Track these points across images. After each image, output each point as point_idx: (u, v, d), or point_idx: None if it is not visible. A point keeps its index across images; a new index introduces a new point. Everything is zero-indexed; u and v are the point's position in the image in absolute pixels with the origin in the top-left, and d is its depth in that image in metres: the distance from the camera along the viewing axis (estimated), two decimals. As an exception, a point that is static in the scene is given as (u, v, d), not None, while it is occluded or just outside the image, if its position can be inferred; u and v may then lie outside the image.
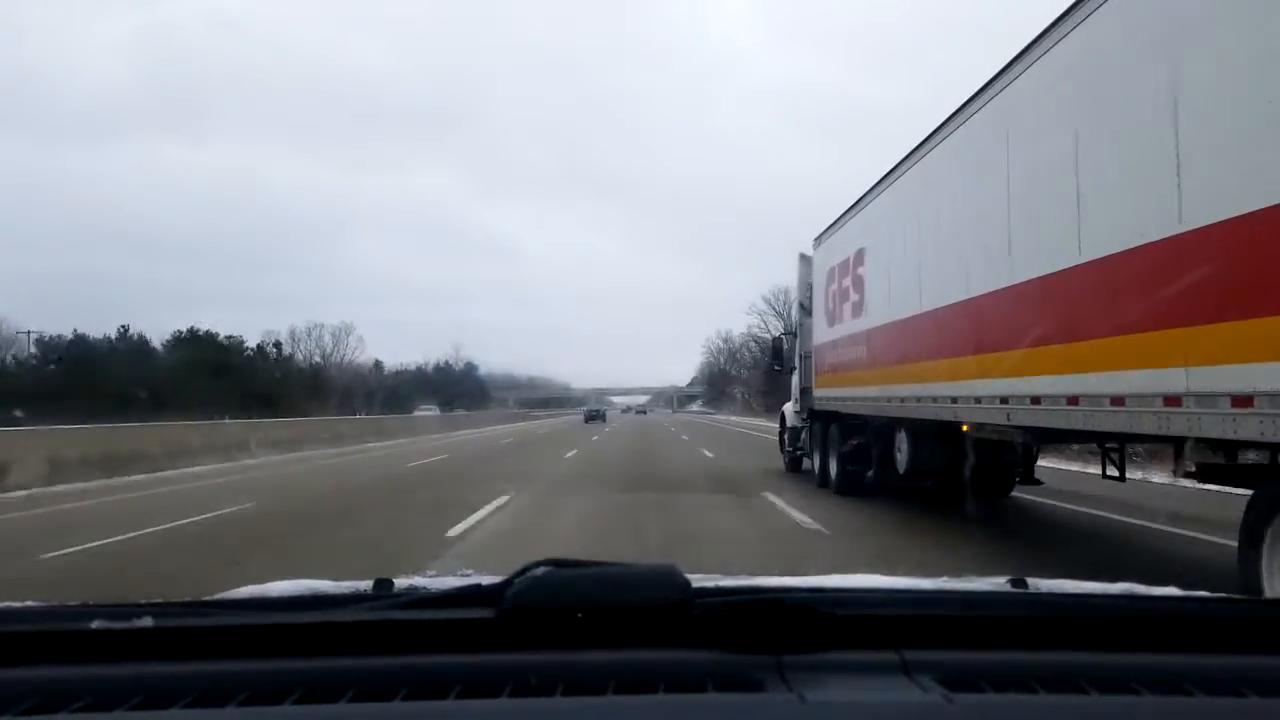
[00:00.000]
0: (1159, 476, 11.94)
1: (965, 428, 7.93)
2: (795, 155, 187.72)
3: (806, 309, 14.95)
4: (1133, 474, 8.46)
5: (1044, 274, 6.11)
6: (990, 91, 7.19)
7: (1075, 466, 13.38)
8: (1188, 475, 5.59)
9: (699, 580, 1.22)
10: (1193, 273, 4.46)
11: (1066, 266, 5.75)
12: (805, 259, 15.11)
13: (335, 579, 1.53)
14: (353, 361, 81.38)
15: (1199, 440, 4.72)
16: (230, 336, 54.63)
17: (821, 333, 13.27)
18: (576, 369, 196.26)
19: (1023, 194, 6.54)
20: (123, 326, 55.35)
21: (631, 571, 1.15)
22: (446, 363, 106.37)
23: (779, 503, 11.41)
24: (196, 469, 18.45)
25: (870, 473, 11.36)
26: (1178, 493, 10.62)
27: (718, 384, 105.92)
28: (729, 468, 18.12)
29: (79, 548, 8.38)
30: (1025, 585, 1.48)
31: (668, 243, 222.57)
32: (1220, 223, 4.30)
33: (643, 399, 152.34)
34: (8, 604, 1.24)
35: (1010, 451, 9.32)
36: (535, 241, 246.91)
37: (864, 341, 10.85)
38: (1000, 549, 7.89)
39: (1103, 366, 5.34)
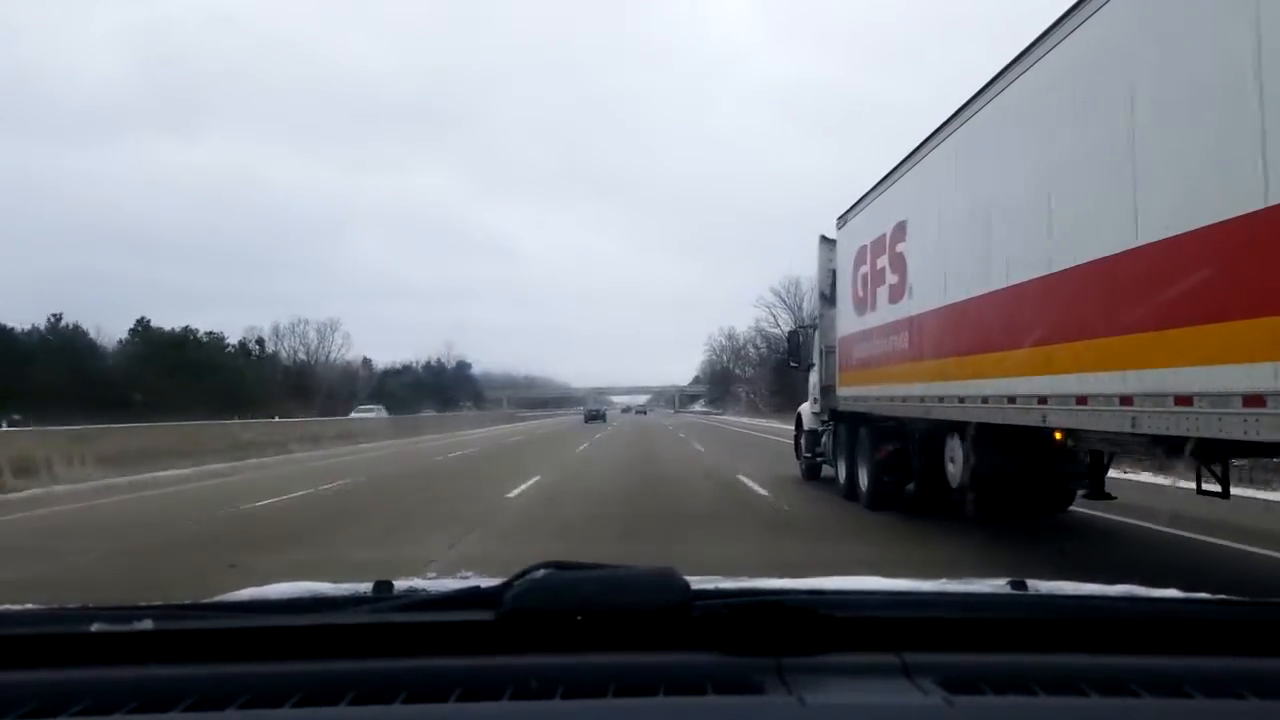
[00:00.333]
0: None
1: (1059, 435, 6.29)
2: (795, 154, 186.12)
3: (828, 298, 13.33)
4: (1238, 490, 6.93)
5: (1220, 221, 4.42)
6: None
7: (1145, 476, 11.73)
8: None
9: (698, 582, 1.22)
10: None
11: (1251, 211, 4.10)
12: (827, 242, 13.47)
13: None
14: (338, 359, 77.99)
15: None
16: (211, 333, 52.76)
17: (848, 323, 11.61)
18: (576, 369, 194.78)
19: (1181, 120, 4.84)
20: (54, 315, 49.93)
21: (631, 574, 1.14)
22: (439, 361, 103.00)
23: (805, 525, 9.77)
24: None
25: (911, 485, 9.72)
26: None
27: (721, 383, 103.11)
28: (741, 472, 16.48)
29: None
30: (1025, 587, 1.45)
31: (668, 242, 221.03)
32: None
33: (643, 399, 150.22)
34: (8, 607, 1.26)
35: (1073, 460, 7.73)
36: (534, 241, 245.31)
37: (906, 331, 9.20)
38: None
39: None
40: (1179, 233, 4.64)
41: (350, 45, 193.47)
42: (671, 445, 28.14)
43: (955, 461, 8.35)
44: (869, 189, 10.78)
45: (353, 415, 41.36)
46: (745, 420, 61.59)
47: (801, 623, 1.07)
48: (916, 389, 8.86)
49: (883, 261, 10.02)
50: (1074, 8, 5.81)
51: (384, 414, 46.46)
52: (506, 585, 1.13)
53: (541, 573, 1.13)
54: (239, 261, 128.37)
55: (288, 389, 51.30)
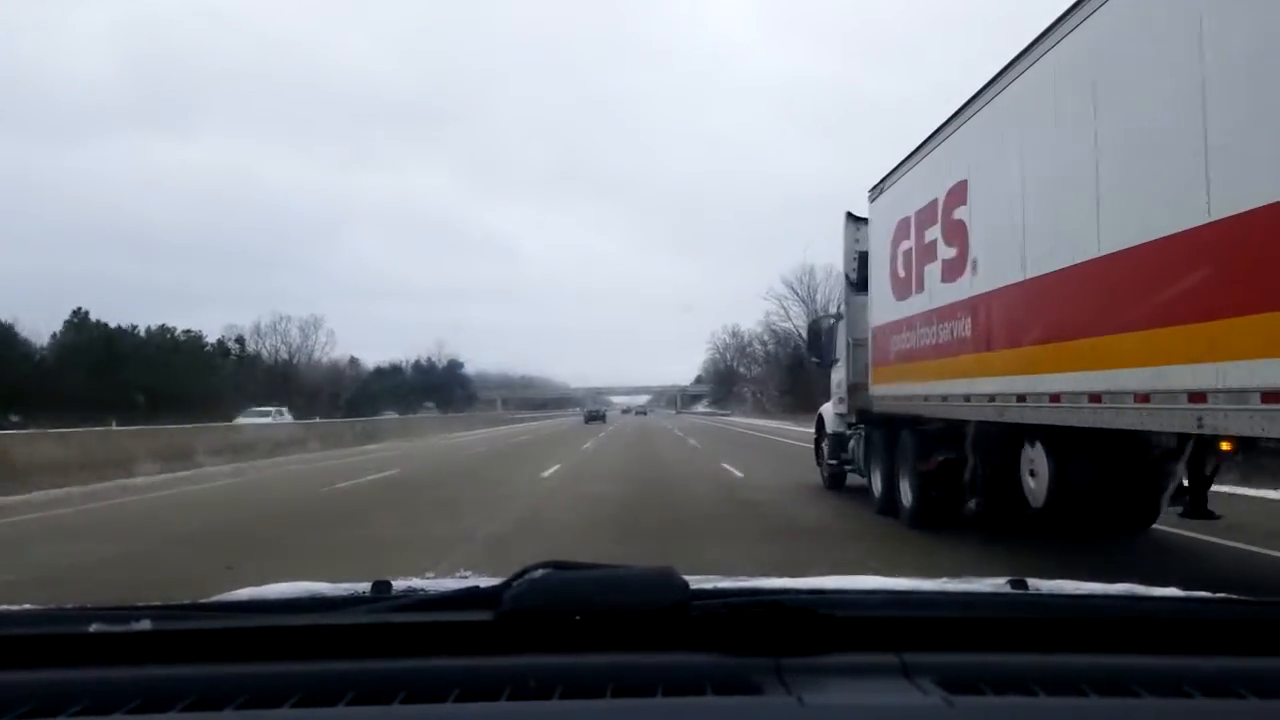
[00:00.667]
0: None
1: (1226, 446, 4.63)
2: (795, 152, 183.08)
3: (856, 283, 11.67)
4: None
5: None
6: None
7: (1245, 489, 10.04)
8: None
9: (697, 582, 1.21)
10: None
11: None
12: (854, 220, 11.81)
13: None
14: (322, 358, 73.95)
15: None
16: (189, 331, 50.45)
17: (884, 310, 9.94)
18: (575, 369, 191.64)
19: None
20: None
21: (630, 574, 1.14)
22: (429, 360, 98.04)
23: (848, 555, 8.09)
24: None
25: (971, 502, 8.06)
26: None
27: (725, 382, 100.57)
28: (762, 486, 14.79)
29: None
30: (1025, 586, 1.43)
31: (668, 241, 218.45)
32: None
33: (643, 399, 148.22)
34: (6, 607, 1.26)
35: (1170, 473, 6.12)
36: (533, 240, 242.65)
37: (967, 315, 7.53)
38: None
39: None
40: None
41: (347, 44, 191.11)
42: (685, 463, 24.20)
43: (1037, 475, 6.68)
44: (911, 150, 9.12)
45: (239, 421, 30.99)
46: (757, 422, 56.29)
47: (801, 622, 1.06)
48: (983, 385, 7.20)
49: (933, 233, 8.35)
50: None
51: (286, 418, 35.52)
52: (505, 585, 1.13)
53: (540, 572, 1.13)
54: (233, 261, 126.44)
55: (268, 389, 48.79)
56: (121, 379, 40.97)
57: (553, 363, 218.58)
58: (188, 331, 50.42)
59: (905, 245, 9.19)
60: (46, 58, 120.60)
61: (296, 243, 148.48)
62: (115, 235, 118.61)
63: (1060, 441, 6.35)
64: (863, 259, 11.74)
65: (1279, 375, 3.89)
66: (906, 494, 9.12)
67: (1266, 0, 4.14)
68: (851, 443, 11.82)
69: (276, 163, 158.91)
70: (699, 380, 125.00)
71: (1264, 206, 4.01)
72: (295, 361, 67.85)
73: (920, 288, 8.72)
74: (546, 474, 16.56)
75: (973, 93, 7.55)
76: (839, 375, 12.38)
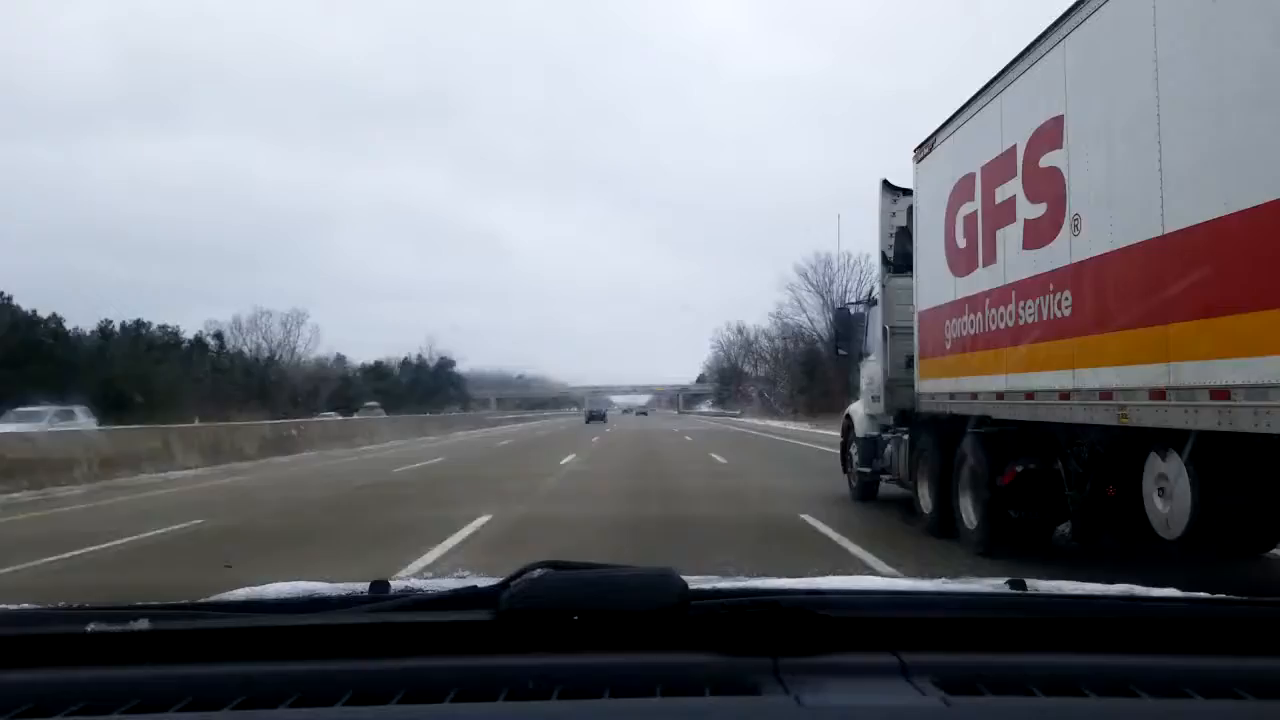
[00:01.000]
0: None
1: None
2: (797, 150, 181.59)
3: (894, 263, 10.06)
4: None
5: None
6: None
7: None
8: None
9: (696, 582, 1.20)
10: None
11: None
12: (891, 190, 10.20)
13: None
14: (305, 355, 69.78)
15: None
16: (164, 326, 48.07)
17: (937, 289, 8.28)
18: (575, 369, 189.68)
19: None
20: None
21: (628, 574, 1.14)
22: (419, 358, 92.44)
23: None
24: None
25: (1065, 526, 6.40)
26: None
27: (730, 381, 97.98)
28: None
29: None
30: (1024, 587, 1.40)
31: (668, 240, 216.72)
32: None
33: (644, 399, 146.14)
34: (4, 606, 1.23)
35: None
36: (533, 240, 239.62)
37: (1066, 286, 5.87)
38: None
39: None
40: None
41: (335, 37, 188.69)
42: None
43: (1172, 496, 5.03)
44: (974, 93, 7.46)
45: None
46: (773, 424, 49.47)
47: (799, 623, 1.05)
48: (1093, 378, 5.54)
49: (1010, 188, 6.69)
50: None
51: (81, 423, 25.57)
52: (503, 585, 1.12)
53: (538, 573, 1.12)
54: (224, 260, 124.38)
55: (247, 389, 46.35)
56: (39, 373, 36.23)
57: (552, 363, 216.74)
58: (163, 327, 48.30)
59: (967, 209, 7.53)
60: (27, 51, 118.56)
61: (290, 241, 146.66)
62: (88, 232, 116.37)
63: (1214, 453, 4.71)
64: (901, 235, 10.13)
65: None
66: (969, 512, 7.47)
67: None
68: (888, 448, 10.16)
69: (264, 159, 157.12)
70: (701, 379, 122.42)
71: None
72: (277, 359, 64.64)
73: (990, 258, 7.06)
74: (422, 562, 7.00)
75: (1066, 7, 5.90)
76: (872, 370, 10.75)
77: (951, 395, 7.85)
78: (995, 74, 7.02)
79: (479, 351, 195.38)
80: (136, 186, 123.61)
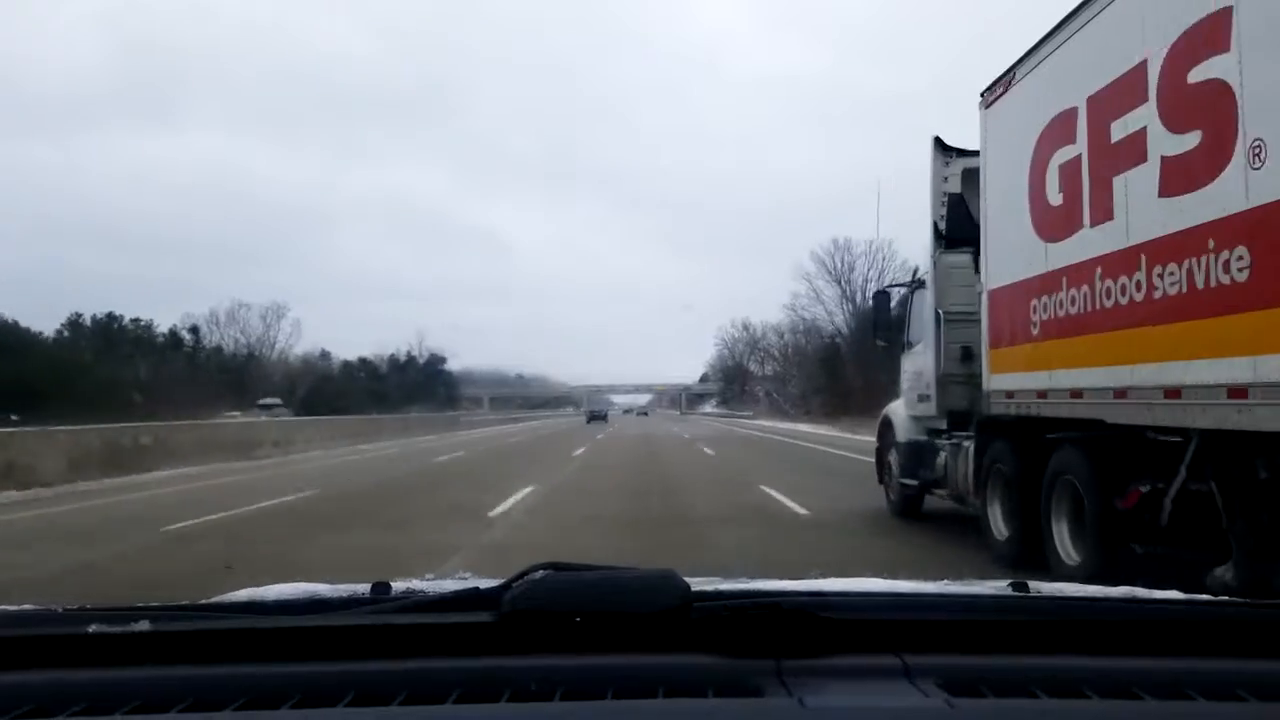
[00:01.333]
0: None
1: None
2: (797, 150, 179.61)
3: (948, 235, 8.46)
4: None
5: None
6: None
7: None
8: None
9: (698, 584, 1.19)
10: None
11: None
12: (945, 150, 8.66)
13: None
14: (286, 351, 66.94)
15: None
16: (137, 319, 45.96)
17: (1018, 260, 6.64)
18: (575, 368, 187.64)
19: None
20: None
21: (631, 575, 1.13)
22: (409, 354, 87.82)
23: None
24: None
25: (1225, 571, 4.76)
26: None
27: (735, 380, 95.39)
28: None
29: None
30: (1027, 589, 1.40)
31: (668, 240, 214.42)
32: None
33: (645, 399, 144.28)
34: (5, 607, 1.22)
35: None
36: (532, 239, 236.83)
37: (1240, 243, 4.24)
38: None
39: None
40: None
41: (333, 33, 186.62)
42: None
43: None
44: (1074, 8, 5.83)
45: None
46: (800, 428, 42.65)
47: (801, 624, 1.05)
48: (1277, 369, 3.92)
49: (1139, 117, 5.04)
50: None
51: None
52: (505, 586, 1.12)
53: (540, 574, 1.12)
54: (216, 255, 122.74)
55: (222, 385, 44.20)
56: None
57: (552, 362, 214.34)
58: (135, 320, 46.32)
59: (1065, 155, 5.90)
60: (14, 45, 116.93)
61: (286, 238, 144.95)
62: (83, 228, 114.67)
63: None
64: (955, 203, 8.54)
65: None
66: (1067, 543, 5.86)
67: None
68: (941, 456, 8.54)
69: (261, 156, 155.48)
70: (704, 379, 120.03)
71: None
72: (256, 354, 61.93)
73: (1103, 214, 5.43)
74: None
75: None
76: (919, 363, 9.15)
77: (1041, 394, 6.22)
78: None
79: (479, 351, 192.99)
80: (133, 182, 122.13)
